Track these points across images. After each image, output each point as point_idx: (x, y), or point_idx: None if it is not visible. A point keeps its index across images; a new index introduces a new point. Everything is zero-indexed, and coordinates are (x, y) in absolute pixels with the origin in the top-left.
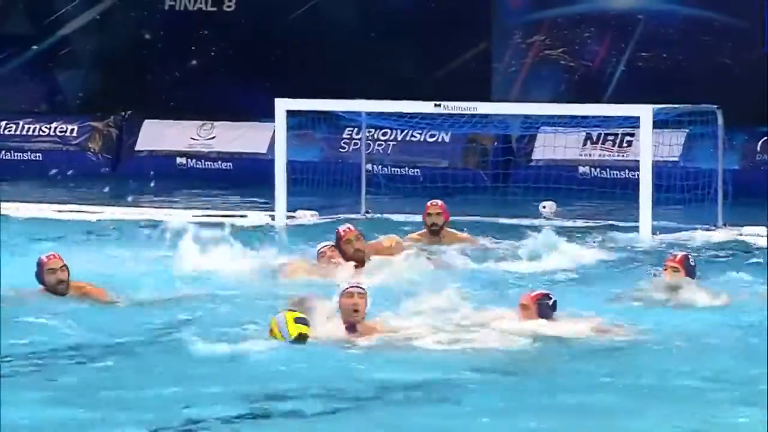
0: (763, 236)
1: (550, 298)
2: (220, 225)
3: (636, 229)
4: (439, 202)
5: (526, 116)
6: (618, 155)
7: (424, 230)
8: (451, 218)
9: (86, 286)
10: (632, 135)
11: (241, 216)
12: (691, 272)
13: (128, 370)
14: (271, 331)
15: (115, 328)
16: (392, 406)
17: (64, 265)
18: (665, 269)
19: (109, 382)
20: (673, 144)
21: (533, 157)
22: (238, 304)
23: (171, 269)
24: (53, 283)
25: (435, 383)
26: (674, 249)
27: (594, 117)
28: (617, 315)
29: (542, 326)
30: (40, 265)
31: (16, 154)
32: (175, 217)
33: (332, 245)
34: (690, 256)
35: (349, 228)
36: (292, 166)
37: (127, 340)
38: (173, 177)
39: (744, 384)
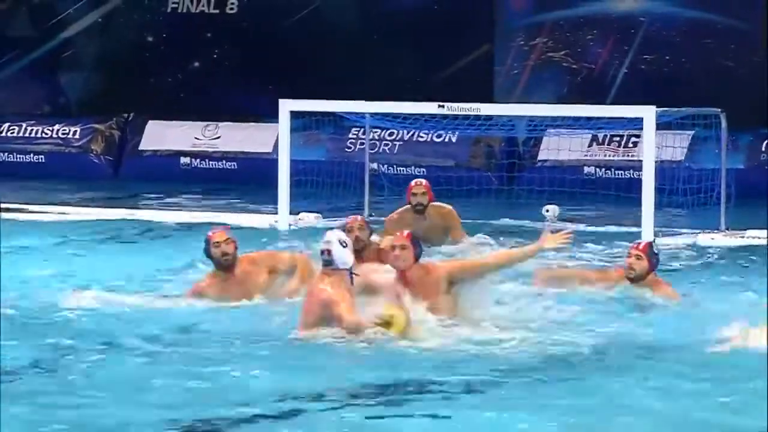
0: (763, 238)
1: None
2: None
3: (639, 231)
4: (424, 181)
5: (531, 119)
6: (624, 155)
7: (406, 207)
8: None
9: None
10: (638, 136)
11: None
12: (653, 260)
13: None
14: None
15: None
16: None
17: (229, 239)
18: (629, 256)
19: None
20: (677, 146)
21: (539, 158)
22: None
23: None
24: (218, 255)
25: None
26: (678, 251)
27: (599, 119)
28: (616, 317)
29: (544, 329)
30: (207, 240)
31: (18, 156)
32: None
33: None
34: (654, 245)
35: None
36: (296, 167)
37: None
38: (177, 177)
39: (745, 386)
